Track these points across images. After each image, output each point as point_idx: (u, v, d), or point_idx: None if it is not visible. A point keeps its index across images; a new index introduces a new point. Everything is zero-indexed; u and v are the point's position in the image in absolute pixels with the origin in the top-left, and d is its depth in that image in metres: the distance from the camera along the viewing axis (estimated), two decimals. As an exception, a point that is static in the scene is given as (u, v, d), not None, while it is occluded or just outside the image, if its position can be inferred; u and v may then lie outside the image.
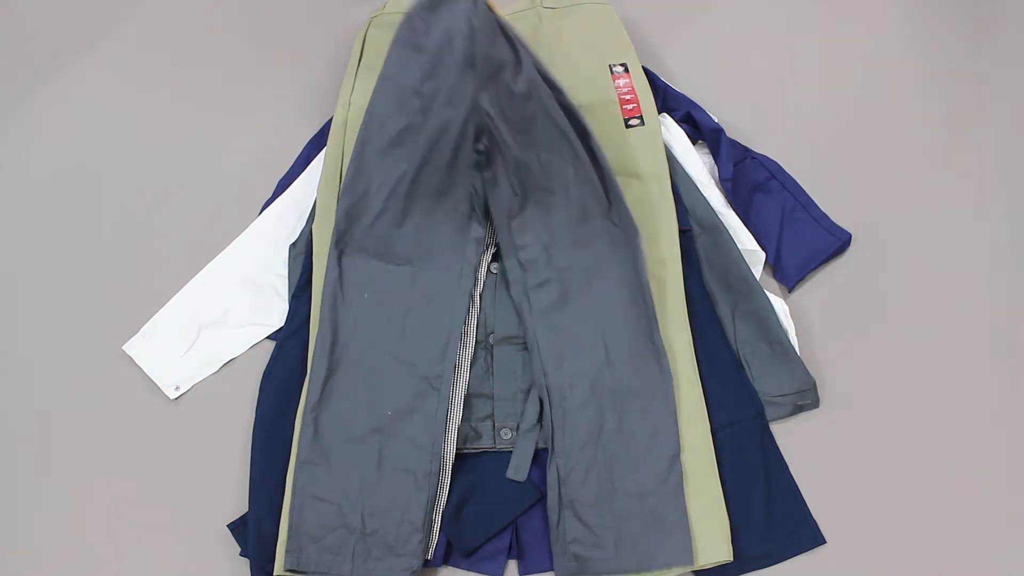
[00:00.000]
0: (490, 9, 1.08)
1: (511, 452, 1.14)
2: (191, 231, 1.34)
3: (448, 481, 1.09)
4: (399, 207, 1.15)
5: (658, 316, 1.15)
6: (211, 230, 1.33)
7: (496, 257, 1.22)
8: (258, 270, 1.28)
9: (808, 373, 1.17)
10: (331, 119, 1.33)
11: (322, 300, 1.14)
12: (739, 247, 1.23)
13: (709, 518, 1.05)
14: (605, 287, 1.14)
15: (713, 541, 1.04)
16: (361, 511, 1.06)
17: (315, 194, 1.28)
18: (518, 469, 1.10)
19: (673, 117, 1.34)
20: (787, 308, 1.21)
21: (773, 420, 1.15)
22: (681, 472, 1.06)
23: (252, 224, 1.32)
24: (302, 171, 1.34)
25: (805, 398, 1.16)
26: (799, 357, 1.17)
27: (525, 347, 1.17)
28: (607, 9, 1.37)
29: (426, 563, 1.08)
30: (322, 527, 1.06)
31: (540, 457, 1.14)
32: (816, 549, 1.09)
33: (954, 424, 1.17)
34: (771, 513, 1.09)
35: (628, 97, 1.29)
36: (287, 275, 1.26)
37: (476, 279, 1.19)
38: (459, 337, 1.13)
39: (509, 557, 1.10)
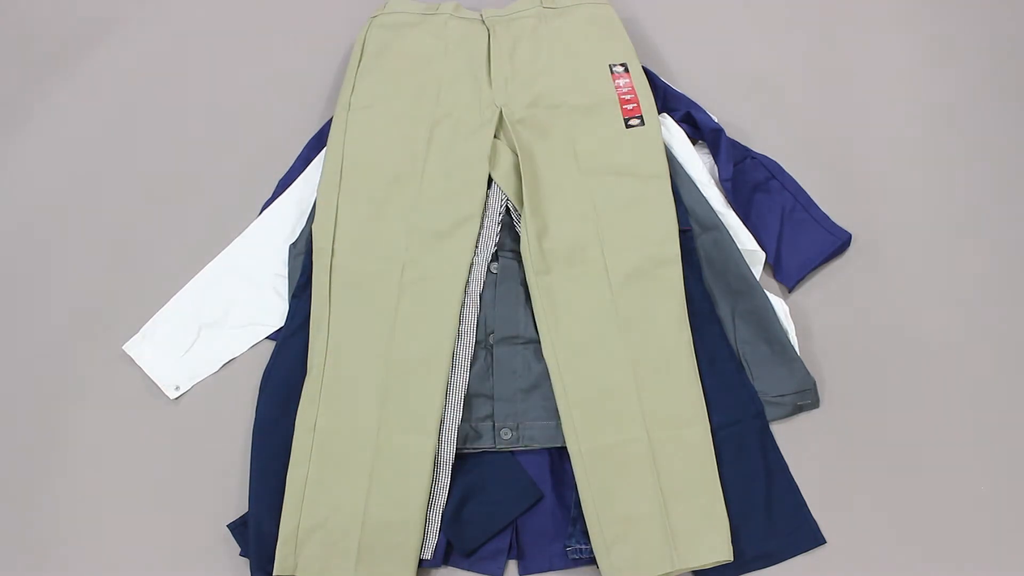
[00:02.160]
0: None
1: (511, 452, 1.14)
2: (191, 231, 1.34)
3: (448, 481, 1.09)
4: None
5: (658, 316, 1.15)
6: (211, 230, 1.33)
7: (496, 257, 1.22)
8: (258, 270, 1.28)
9: (808, 373, 1.17)
10: (331, 119, 1.33)
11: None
12: (739, 247, 1.23)
13: (709, 518, 1.05)
14: None
15: (713, 541, 1.04)
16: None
17: (315, 194, 1.28)
18: None
19: (673, 117, 1.34)
20: (787, 308, 1.21)
21: (773, 420, 1.15)
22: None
23: (252, 224, 1.32)
24: (302, 171, 1.33)
25: (805, 398, 1.16)
26: (799, 357, 1.17)
27: (525, 346, 1.17)
28: (607, 9, 1.37)
29: (426, 563, 1.08)
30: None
31: (541, 456, 1.14)
32: (816, 549, 1.09)
33: (954, 424, 1.17)
34: (771, 513, 1.09)
35: (628, 97, 1.29)
36: (287, 275, 1.26)
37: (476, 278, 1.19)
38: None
39: (509, 557, 1.10)
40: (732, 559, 1.04)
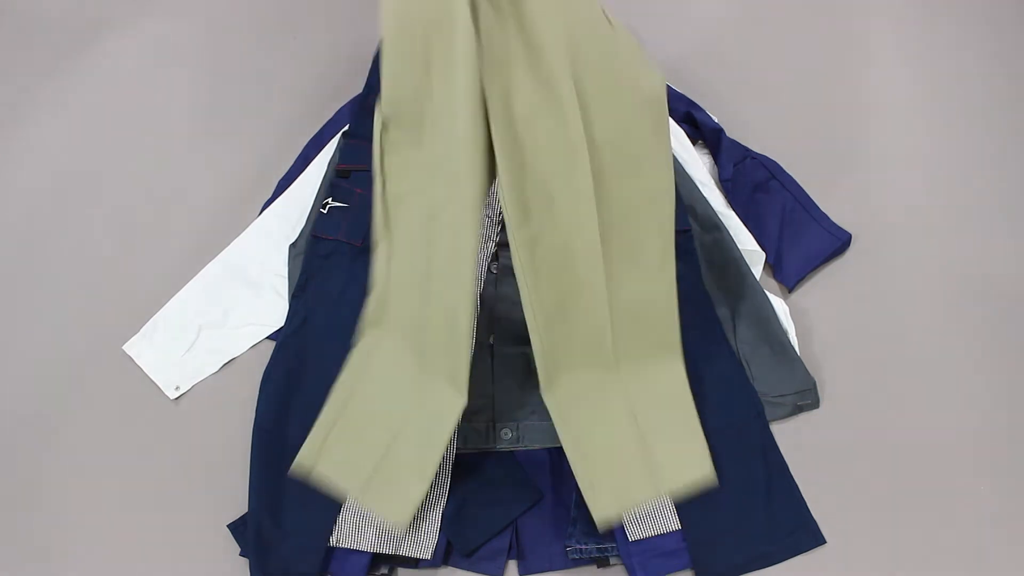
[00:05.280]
0: None
1: (511, 452, 1.14)
2: (191, 231, 1.34)
3: (448, 481, 1.09)
4: None
5: (644, 254, 1.06)
6: (211, 230, 1.33)
7: (496, 257, 1.22)
8: (258, 270, 1.28)
9: (808, 373, 1.17)
10: (331, 119, 1.33)
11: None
12: (739, 247, 1.23)
13: (687, 442, 1.04)
14: None
15: (693, 462, 1.04)
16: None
17: (315, 194, 1.28)
18: None
19: (673, 117, 1.34)
20: (787, 308, 1.21)
21: (773, 420, 1.15)
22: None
23: (252, 224, 1.32)
24: (302, 171, 1.34)
25: (805, 398, 1.16)
26: (799, 357, 1.17)
27: (525, 346, 1.17)
28: None
29: (426, 563, 1.08)
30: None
31: (541, 456, 1.14)
32: (816, 549, 1.09)
33: (954, 424, 1.17)
34: (771, 513, 1.09)
35: None
36: (287, 275, 1.26)
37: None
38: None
39: (509, 557, 1.10)
40: (713, 477, 1.04)
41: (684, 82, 1.43)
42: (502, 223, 1.23)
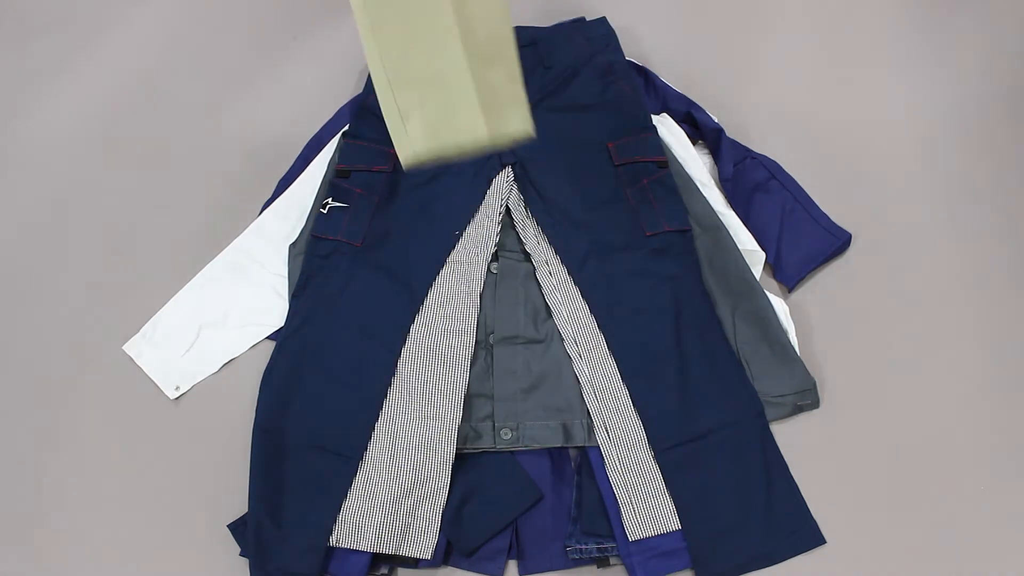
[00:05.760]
0: None
1: (511, 452, 1.14)
2: (191, 231, 1.34)
3: (448, 481, 1.09)
4: None
5: None
6: (211, 230, 1.33)
7: (496, 257, 1.22)
8: (258, 270, 1.28)
9: (808, 373, 1.17)
10: (331, 119, 1.33)
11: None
12: (739, 247, 1.23)
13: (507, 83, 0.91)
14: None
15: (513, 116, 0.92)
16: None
17: (315, 194, 1.28)
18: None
19: (673, 117, 1.34)
20: (787, 308, 1.21)
21: (773, 420, 1.15)
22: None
23: (252, 224, 1.32)
24: (302, 171, 1.34)
25: (805, 398, 1.16)
26: (799, 357, 1.17)
27: (525, 346, 1.17)
28: None
29: (426, 563, 1.08)
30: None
31: (541, 456, 1.14)
32: (816, 549, 1.09)
33: (954, 424, 1.17)
34: (771, 513, 1.09)
35: None
36: (287, 275, 1.26)
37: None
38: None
39: (509, 557, 1.10)
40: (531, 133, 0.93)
41: (685, 81, 1.43)
42: (502, 224, 1.23)
